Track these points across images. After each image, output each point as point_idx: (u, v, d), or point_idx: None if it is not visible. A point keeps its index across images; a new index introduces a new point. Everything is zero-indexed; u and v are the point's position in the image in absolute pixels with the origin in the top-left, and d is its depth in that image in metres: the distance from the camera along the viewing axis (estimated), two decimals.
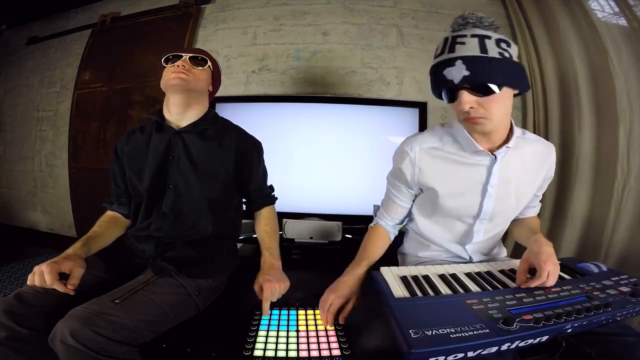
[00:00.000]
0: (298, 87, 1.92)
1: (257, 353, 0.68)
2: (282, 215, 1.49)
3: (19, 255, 2.21)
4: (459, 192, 0.85)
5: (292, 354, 0.68)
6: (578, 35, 1.56)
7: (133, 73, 2.15)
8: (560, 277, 0.74)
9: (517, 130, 0.83)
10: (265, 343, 0.71)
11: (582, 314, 0.57)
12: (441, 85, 0.74)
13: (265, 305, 0.83)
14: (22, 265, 2.08)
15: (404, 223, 1.02)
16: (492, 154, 0.80)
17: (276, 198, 1.12)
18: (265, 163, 1.12)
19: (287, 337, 0.73)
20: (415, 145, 0.86)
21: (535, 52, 1.69)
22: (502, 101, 0.73)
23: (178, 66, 0.95)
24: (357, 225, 1.53)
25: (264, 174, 1.11)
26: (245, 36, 1.99)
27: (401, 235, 1.06)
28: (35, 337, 0.69)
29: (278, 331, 0.75)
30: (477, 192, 0.84)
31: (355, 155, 1.58)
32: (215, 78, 1.07)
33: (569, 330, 0.58)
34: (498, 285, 0.72)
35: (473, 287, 0.71)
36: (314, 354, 0.68)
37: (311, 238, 1.49)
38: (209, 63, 1.03)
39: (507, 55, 0.70)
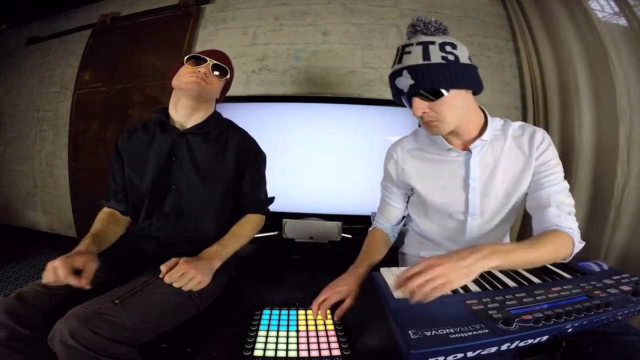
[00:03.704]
0: (298, 87, 1.92)
1: (257, 353, 0.68)
2: (282, 215, 1.50)
3: (19, 255, 2.20)
4: (440, 188, 0.89)
5: (292, 354, 0.68)
6: (578, 35, 1.56)
7: (133, 73, 2.15)
8: (560, 276, 0.74)
9: (496, 123, 0.86)
10: (265, 343, 0.71)
11: (583, 314, 0.57)
12: (396, 94, 0.79)
13: (167, 278, 0.76)
14: (22, 265, 2.08)
15: (401, 224, 1.04)
16: (468, 149, 0.84)
17: (267, 210, 1.09)
18: (265, 163, 1.11)
19: (287, 337, 0.73)
20: (398, 147, 0.95)
21: (535, 52, 1.69)
22: (452, 103, 0.75)
23: (199, 72, 0.95)
24: (357, 225, 1.53)
25: (259, 180, 1.08)
26: (245, 36, 1.99)
27: (402, 236, 1.07)
28: (35, 337, 0.69)
29: (278, 331, 0.75)
30: (459, 187, 0.87)
31: (355, 155, 1.58)
32: (227, 87, 1.08)
33: (570, 330, 0.58)
34: (498, 285, 0.71)
35: (473, 287, 0.70)
36: (314, 354, 0.68)
37: (311, 238, 1.49)
38: (228, 75, 1.03)
39: (451, 58, 0.73)
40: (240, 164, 1.02)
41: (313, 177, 1.60)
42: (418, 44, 0.74)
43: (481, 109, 0.87)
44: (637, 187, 1.40)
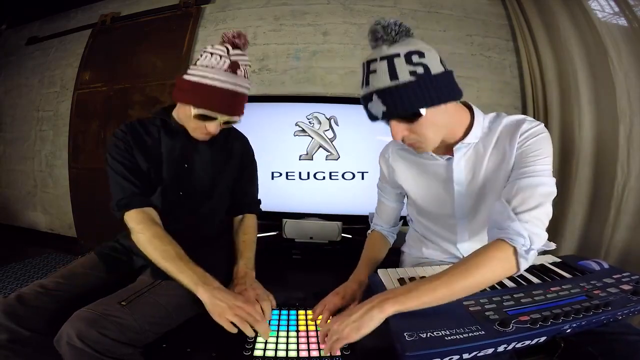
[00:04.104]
0: (298, 87, 1.92)
1: (257, 353, 0.68)
2: (282, 215, 1.50)
3: (19, 255, 2.21)
4: (427, 191, 0.87)
5: (292, 354, 0.68)
6: (578, 35, 1.56)
7: (133, 73, 2.15)
8: (560, 275, 0.74)
9: (486, 120, 0.79)
10: (265, 343, 0.71)
11: (581, 314, 0.57)
12: (371, 119, 0.71)
13: (264, 327, 0.72)
14: (22, 265, 2.08)
15: (399, 225, 1.04)
16: (451, 153, 0.79)
17: (261, 210, 1.11)
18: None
19: (287, 337, 0.73)
20: (389, 147, 0.95)
21: (535, 52, 1.69)
22: (433, 121, 0.69)
23: (208, 131, 0.86)
24: (357, 225, 1.53)
25: (256, 181, 1.11)
26: None
27: (404, 234, 1.08)
28: (36, 338, 0.69)
29: (278, 331, 0.75)
30: (444, 191, 0.84)
31: (354, 155, 1.58)
32: None
33: (568, 331, 0.58)
34: (496, 285, 0.71)
35: None
36: (314, 354, 0.68)
37: (311, 238, 1.49)
38: (238, 120, 0.91)
39: (420, 71, 0.65)
40: (242, 165, 1.04)
41: (313, 177, 1.60)
42: (382, 59, 0.66)
43: (467, 106, 0.81)
44: (637, 187, 1.41)
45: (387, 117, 0.68)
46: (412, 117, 0.68)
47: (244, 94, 0.86)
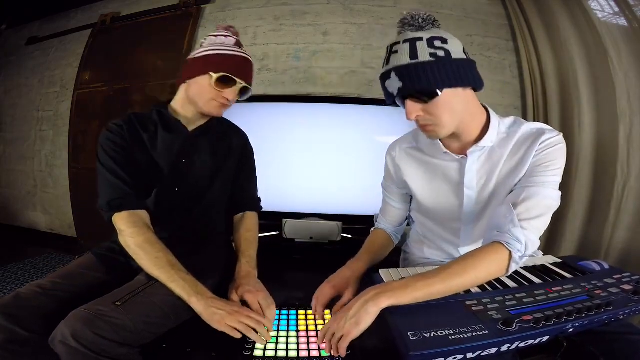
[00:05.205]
0: (298, 87, 1.92)
1: (257, 353, 0.68)
2: (282, 215, 1.50)
3: (19, 255, 2.21)
4: (435, 192, 0.85)
5: (292, 354, 0.68)
6: (578, 35, 1.56)
7: (133, 73, 2.15)
8: (561, 275, 0.74)
9: (502, 125, 0.78)
10: (266, 343, 0.71)
11: (583, 314, 0.57)
12: (388, 97, 0.73)
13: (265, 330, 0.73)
14: (22, 265, 2.08)
15: (404, 225, 1.03)
16: (465, 154, 0.77)
17: (262, 208, 1.11)
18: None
19: (287, 337, 0.73)
20: (396, 145, 0.92)
21: (535, 52, 1.69)
22: (449, 104, 0.69)
23: (226, 98, 0.89)
24: (357, 225, 1.53)
25: (254, 176, 1.10)
26: (245, 36, 1.97)
27: (405, 234, 1.07)
28: (34, 339, 0.69)
29: (278, 331, 0.75)
30: (453, 194, 0.82)
31: (355, 155, 1.58)
32: None
33: (570, 330, 0.58)
34: (498, 285, 0.71)
35: (473, 288, 0.70)
36: (314, 354, 0.68)
37: (311, 238, 1.49)
38: (250, 92, 0.96)
39: (441, 54, 0.67)
40: (241, 161, 1.04)
41: (313, 177, 1.60)
42: (405, 41, 0.68)
43: (485, 107, 0.80)
44: (637, 188, 1.41)
45: (402, 93, 0.69)
46: (427, 96, 0.68)
47: (252, 63, 0.94)
